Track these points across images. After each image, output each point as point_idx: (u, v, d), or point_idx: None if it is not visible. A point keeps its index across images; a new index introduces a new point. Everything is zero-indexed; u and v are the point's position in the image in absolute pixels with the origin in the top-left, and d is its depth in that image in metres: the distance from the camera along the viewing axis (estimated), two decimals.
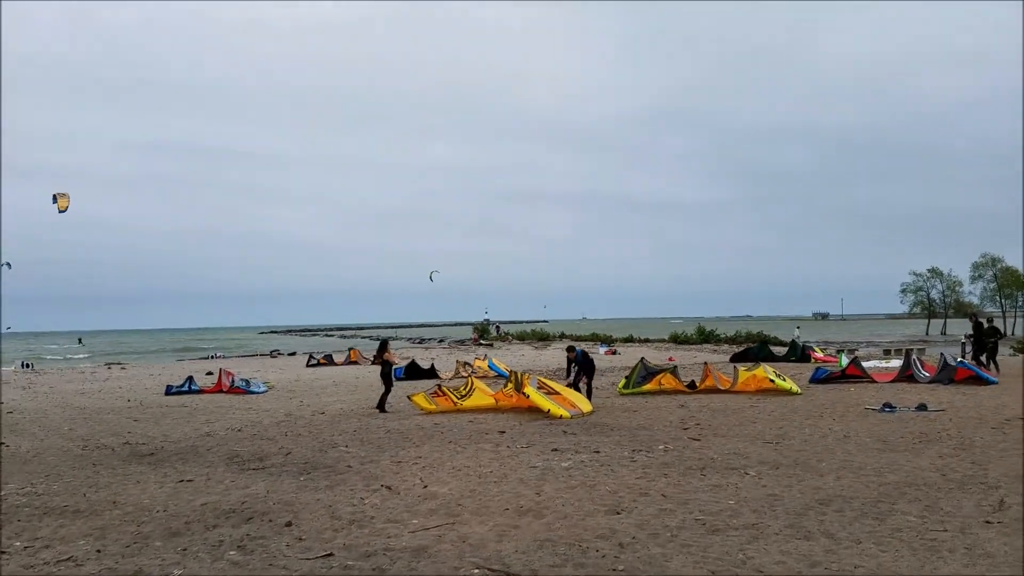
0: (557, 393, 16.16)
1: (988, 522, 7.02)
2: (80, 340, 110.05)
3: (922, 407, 15.03)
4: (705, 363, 23.29)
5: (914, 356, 21.76)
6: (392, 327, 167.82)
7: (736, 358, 34.84)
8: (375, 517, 7.54)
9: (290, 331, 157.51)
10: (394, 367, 18.94)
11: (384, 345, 18.66)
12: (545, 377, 19.32)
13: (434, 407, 17.00)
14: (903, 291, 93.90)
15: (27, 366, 42.93)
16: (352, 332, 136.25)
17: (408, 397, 17.62)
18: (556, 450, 11.16)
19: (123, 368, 39.32)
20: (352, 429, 14.43)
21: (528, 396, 15.58)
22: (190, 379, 25.53)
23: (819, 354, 33.81)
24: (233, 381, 24.77)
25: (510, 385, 16.65)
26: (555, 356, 41.67)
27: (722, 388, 19.75)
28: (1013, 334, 76.86)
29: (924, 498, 7.98)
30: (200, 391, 24.61)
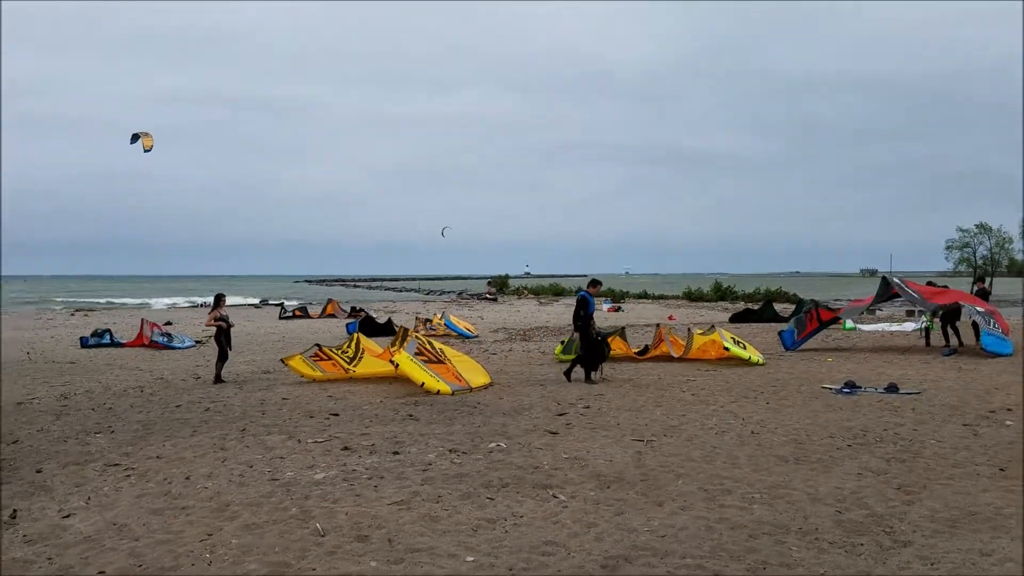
0: (441, 362, 13.19)
1: None
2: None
3: (892, 388, 11.83)
4: (658, 325, 20.03)
5: (896, 279, 18.49)
6: (425, 279, 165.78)
7: (736, 319, 31.56)
8: None
9: (324, 281, 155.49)
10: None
11: (216, 300, 15.07)
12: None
13: (319, 374, 14.20)
14: (948, 247, 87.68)
15: None
16: (379, 284, 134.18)
17: (282, 360, 14.82)
18: (347, 448, 8.32)
19: (86, 315, 37.39)
20: (180, 403, 11.78)
21: (397, 365, 12.62)
22: (108, 331, 23.25)
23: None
24: (154, 335, 22.48)
25: (397, 342, 13.75)
26: (554, 312, 38.68)
27: (675, 355, 16.66)
28: None
29: (776, 563, 4.99)
30: (120, 344, 22.43)
